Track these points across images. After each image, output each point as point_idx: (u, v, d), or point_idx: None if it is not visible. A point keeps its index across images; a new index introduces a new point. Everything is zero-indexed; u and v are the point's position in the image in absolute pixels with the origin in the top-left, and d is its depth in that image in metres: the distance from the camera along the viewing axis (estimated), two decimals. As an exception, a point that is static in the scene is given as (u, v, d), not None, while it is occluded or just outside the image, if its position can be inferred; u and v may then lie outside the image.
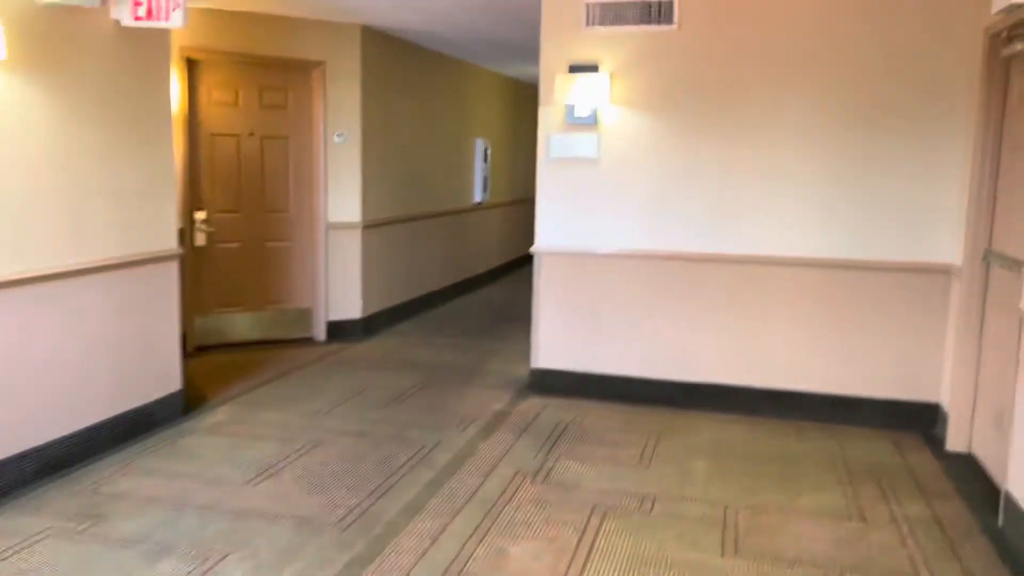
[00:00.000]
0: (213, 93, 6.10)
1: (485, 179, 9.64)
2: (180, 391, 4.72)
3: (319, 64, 6.36)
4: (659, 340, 5.11)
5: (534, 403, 5.14)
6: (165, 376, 4.62)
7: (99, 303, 4.10)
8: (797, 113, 4.76)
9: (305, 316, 6.67)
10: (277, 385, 5.45)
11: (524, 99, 11.06)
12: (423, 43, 7.50)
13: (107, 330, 4.16)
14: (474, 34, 6.90)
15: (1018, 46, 3.71)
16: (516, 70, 9.69)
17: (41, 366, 3.79)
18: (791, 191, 4.82)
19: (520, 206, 11.24)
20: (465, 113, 9.01)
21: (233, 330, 6.42)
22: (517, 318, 7.64)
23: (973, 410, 4.31)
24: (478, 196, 9.47)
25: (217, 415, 4.79)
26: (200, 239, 6.12)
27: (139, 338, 4.39)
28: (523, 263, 11.34)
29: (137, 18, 4.04)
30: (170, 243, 4.59)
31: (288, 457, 4.16)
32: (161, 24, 4.03)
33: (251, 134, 6.30)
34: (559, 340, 5.31)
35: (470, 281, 9.35)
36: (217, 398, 5.11)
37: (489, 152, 9.72)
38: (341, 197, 6.58)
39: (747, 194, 4.89)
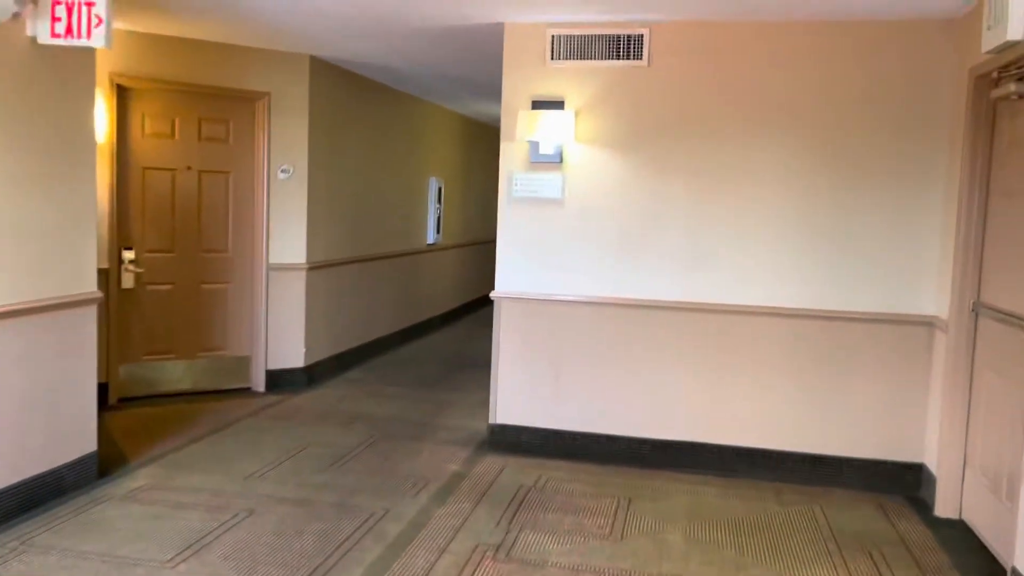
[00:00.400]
0: (147, 123, 5.64)
1: (438, 219, 9.28)
2: (94, 452, 4.19)
3: (263, 95, 5.96)
4: (627, 394, 4.76)
5: (493, 463, 4.72)
6: (77, 436, 4.09)
7: (-1, 354, 3.59)
8: (772, 156, 4.52)
9: (242, 364, 6.17)
10: (208, 442, 4.94)
11: (478, 138, 10.79)
12: (375, 77, 7.16)
13: (6, 385, 3.64)
14: (429, 68, 6.59)
15: (1010, 87, 3.51)
16: (471, 108, 9.41)
17: (-76, 429, 3.26)
18: (765, 237, 4.55)
19: (475, 248, 10.90)
20: (418, 151, 8.67)
21: (163, 380, 5.88)
22: (473, 365, 7.24)
23: (963, 474, 4.03)
24: (431, 237, 9.10)
25: (137, 479, 4.27)
26: (128, 280, 5.61)
27: (47, 393, 3.88)
28: (478, 306, 10.96)
29: (55, 35, 3.61)
30: (88, 286, 4.10)
31: (216, 530, 3.66)
32: (82, 43, 3.60)
33: (188, 168, 5.85)
34: (520, 393, 4.92)
35: (422, 326, 8.92)
36: (139, 458, 4.58)
37: (443, 192, 9.38)
38: (284, 236, 6.14)
39: (719, 239, 4.61)
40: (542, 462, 4.74)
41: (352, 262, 7.09)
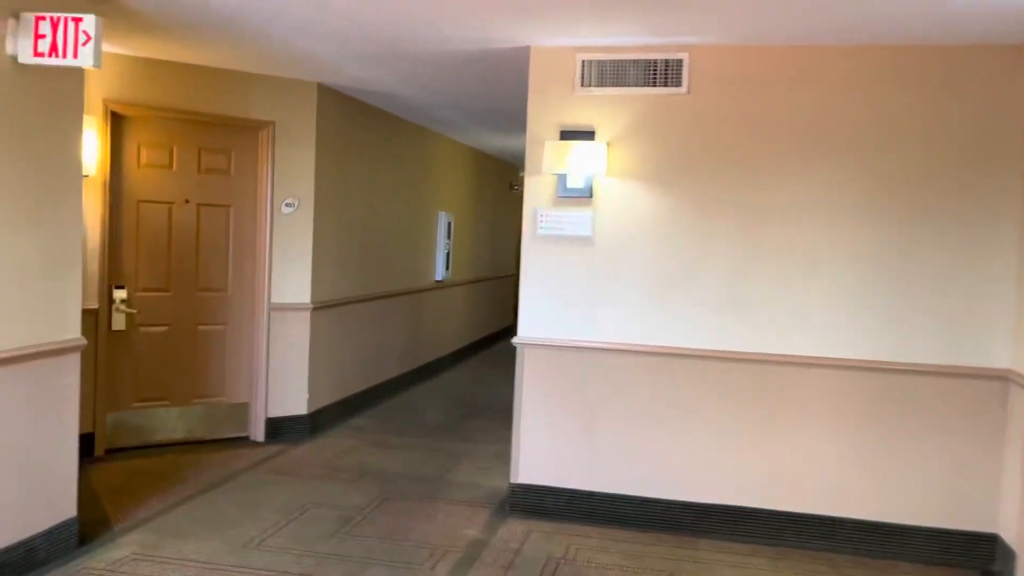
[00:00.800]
0: (143, 153, 5.27)
1: (448, 255, 8.89)
2: (73, 519, 3.74)
3: (267, 124, 5.59)
4: (665, 452, 4.33)
5: (516, 529, 4.27)
6: (54, 501, 3.65)
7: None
8: (826, 191, 4.13)
9: (240, 412, 5.73)
10: (202, 502, 4.49)
11: (489, 172, 10.45)
12: (385, 107, 6.81)
13: (-25, 446, 3.22)
14: (443, 97, 6.24)
15: (1106, 118, 3.13)
16: (483, 141, 9.07)
17: None
18: (819, 280, 4.15)
19: (484, 284, 10.50)
20: (427, 184, 8.30)
21: (155, 428, 5.44)
22: (485, 410, 6.80)
23: (1050, 548, 3.59)
24: (440, 274, 8.70)
25: (121, 547, 3.81)
26: (119, 321, 5.19)
27: (20, 453, 3.44)
28: (487, 344, 10.55)
29: (38, 54, 3.25)
30: (70, 332, 3.68)
31: (207, 614, 3.22)
32: (68, 63, 3.23)
33: (186, 201, 5.46)
34: (545, 450, 4.48)
35: (431, 367, 8.48)
36: (125, 522, 4.13)
37: (452, 227, 9.00)
38: (287, 274, 5.74)
39: (766, 283, 4.20)
40: (571, 528, 4.29)
41: (358, 301, 6.68)
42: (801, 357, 4.16)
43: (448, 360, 9.08)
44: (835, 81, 4.10)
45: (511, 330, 11.96)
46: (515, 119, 7.05)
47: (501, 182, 10.99)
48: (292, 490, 4.73)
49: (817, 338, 4.15)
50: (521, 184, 4.53)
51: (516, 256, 12.57)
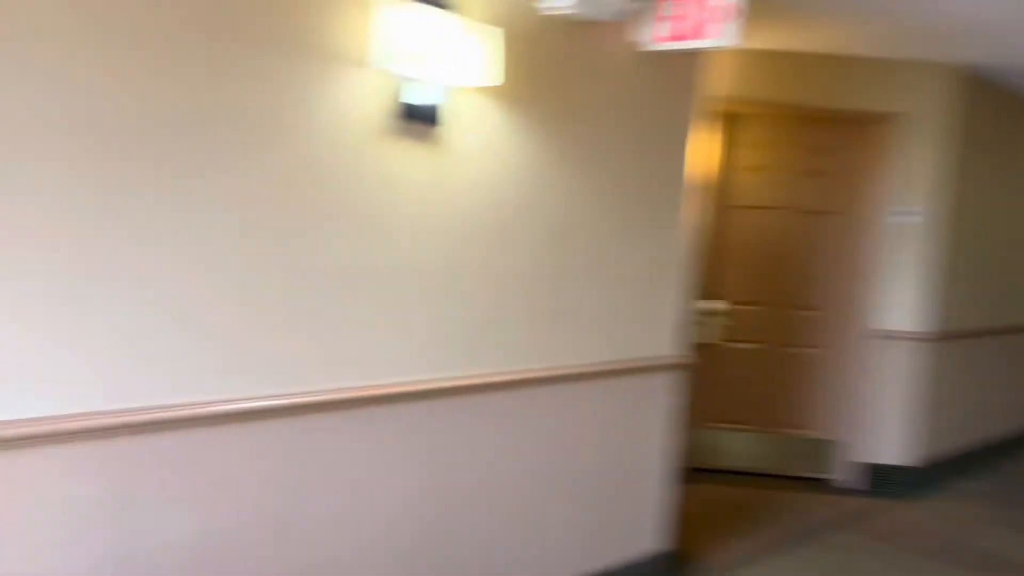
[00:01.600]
0: (744, 155, 4.82)
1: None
2: (661, 554, 3.39)
3: (892, 118, 4.66)
4: None
5: None
6: (637, 528, 3.34)
7: (562, 420, 2.97)
8: None
9: (823, 450, 4.94)
10: (787, 560, 3.82)
11: None
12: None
13: (573, 459, 3.03)
14: None
15: None
16: None
17: (503, 498, 2.77)
18: None
19: None
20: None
21: (725, 453, 4.97)
22: None
23: None
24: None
25: (703, 598, 3.37)
26: (711, 334, 4.83)
27: (608, 472, 3.18)
28: None
29: (661, 39, 2.91)
30: (667, 347, 3.33)
31: None
32: (695, 44, 2.82)
33: (786, 207, 4.87)
34: None
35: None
36: (703, 561, 3.69)
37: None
38: (896, 295, 4.74)
39: None
40: None
41: (987, 334, 5.32)
42: None
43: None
44: None
45: None
46: None
47: None
48: (896, 568, 3.79)
49: None
50: None
51: None
